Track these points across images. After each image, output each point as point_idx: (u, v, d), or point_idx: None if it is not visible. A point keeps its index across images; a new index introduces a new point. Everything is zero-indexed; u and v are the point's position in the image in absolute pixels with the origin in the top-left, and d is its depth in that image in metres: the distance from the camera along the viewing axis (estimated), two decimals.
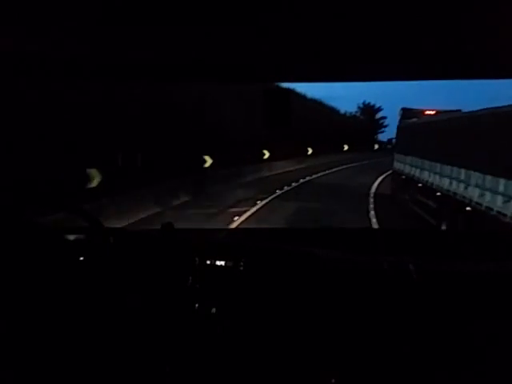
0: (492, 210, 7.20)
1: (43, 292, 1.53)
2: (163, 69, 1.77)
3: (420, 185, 11.51)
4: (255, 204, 13.72)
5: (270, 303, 1.57)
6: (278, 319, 1.51)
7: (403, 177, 13.55)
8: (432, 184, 10.47)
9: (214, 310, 1.58)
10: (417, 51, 1.48)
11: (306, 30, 1.29)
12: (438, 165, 10.05)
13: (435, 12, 1.15)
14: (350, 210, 12.39)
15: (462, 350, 1.39)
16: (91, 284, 1.60)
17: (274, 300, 1.58)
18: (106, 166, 10.69)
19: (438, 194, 9.88)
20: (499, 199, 7.03)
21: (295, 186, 18.88)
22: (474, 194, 7.96)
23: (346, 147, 38.28)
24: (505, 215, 6.79)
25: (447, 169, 9.44)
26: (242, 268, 1.75)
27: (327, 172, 25.34)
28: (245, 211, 12.34)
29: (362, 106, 57.91)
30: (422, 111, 14.32)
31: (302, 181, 20.61)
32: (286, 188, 17.82)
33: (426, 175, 11.05)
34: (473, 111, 9.31)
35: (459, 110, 12.27)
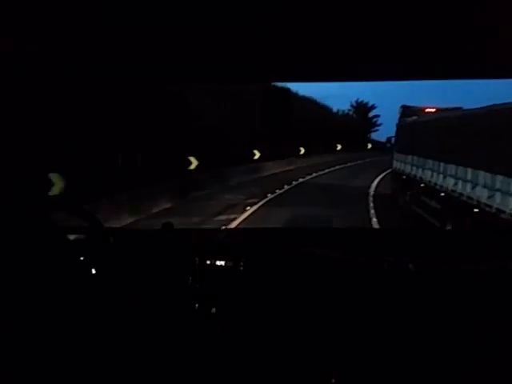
0: (504, 212, 6.84)
1: (43, 292, 1.53)
2: (163, 69, 1.77)
3: (422, 185, 11.16)
4: (245, 211, 12.39)
5: (270, 303, 1.57)
6: (278, 319, 1.51)
7: (404, 177, 13.18)
8: (435, 184, 10.10)
9: (213, 309, 1.58)
10: (417, 51, 1.48)
11: (305, 30, 1.29)
12: (442, 164, 9.72)
13: (435, 12, 1.15)
14: (352, 216, 11.39)
15: (462, 349, 1.39)
16: (91, 284, 1.60)
17: (274, 300, 1.58)
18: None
19: (442, 194, 9.56)
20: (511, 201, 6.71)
21: (288, 189, 17.65)
22: (482, 194, 7.60)
23: (339, 147, 37.27)
24: None
25: (452, 168, 9.09)
26: (241, 268, 1.75)
27: (321, 173, 24.09)
28: (233, 219, 10.98)
29: (355, 104, 55.66)
30: (422, 109, 13.92)
31: (294, 183, 19.35)
32: (278, 191, 16.49)
33: (428, 175, 10.69)
34: (475, 108, 9.01)
35: (460, 108, 12.07)
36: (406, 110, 14.55)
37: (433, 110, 13.64)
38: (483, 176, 7.62)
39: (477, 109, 8.78)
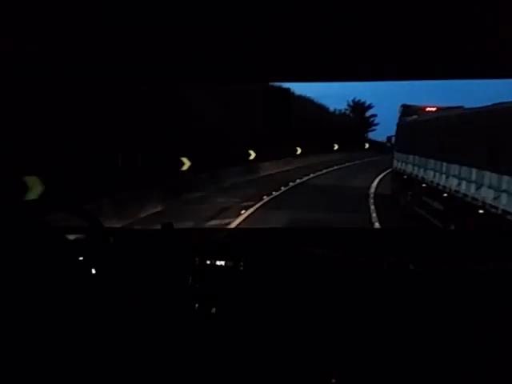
0: (510, 213, 6.63)
1: (43, 292, 1.52)
2: (163, 69, 1.77)
3: (424, 185, 10.92)
4: (239, 214, 11.65)
5: (270, 303, 1.57)
6: (278, 319, 1.51)
7: (405, 176, 12.94)
8: (438, 184, 9.85)
9: (214, 309, 1.58)
10: (417, 51, 1.48)
11: (305, 30, 1.29)
12: (444, 164, 9.46)
13: (435, 12, 1.15)
14: (353, 220, 10.74)
15: (462, 349, 1.39)
16: (91, 284, 1.60)
17: (274, 300, 1.58)
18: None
19: (445, 194, 9.33)
20: None
21: (285, 190, 16.85)
22: (487, 195, 7.37)
23: (336, 147, 36.79)
24: None
25: (455, 168, 8.84)
26: (242, 268, 1.75)
27: (319, 174, 23.31)
28: (227, 225, 10.18)
29: (351, 103, 55.28)
30: (423, 108, 13.73)
31: (291, 184, 18.47)
32: (274, 193, 15.63)
33: (430, 175, 10.43)
34: (478, 107, 8.79)
35: (461, 107, 11.82)
36: (407, 109, 14.37)
37: (433, 109, 13.45)
38: (489, 176, 7.39)
39: (480, 107, 8.55)
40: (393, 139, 15.29)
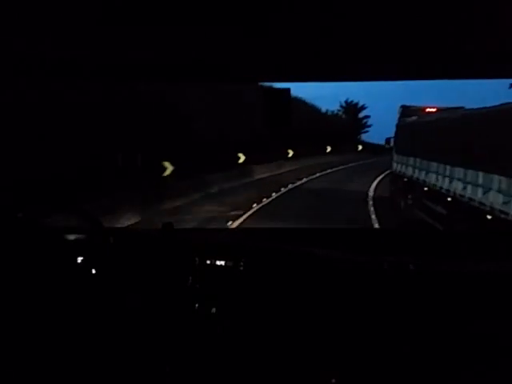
0: None
1: (43, 292, 1.53)
2: (163, 69, 1.77)
3: (426, 188, 10.46)
4: (226, 227, 9.82)
5: (270, 303, 1.57)
6: (278, 319, 1.51)
7: (405, 179, 12.49)
8: (441, 188, 9.38)
9: (214, 309, 1.58)
10: (417, 51, 1.48)
11: (305, 30, 1.29)
12: (448, 167, 9.02)
13: (435, 12, 1.15)
14: None
15: (462, 349, 1.39)
16: (91, 284, 1.60)
17: (274, 300, 1.58)
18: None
19: (449, 199, 8.89)
20: None
21: (278, 197, 15.17)
22: (496, 200, 6.97)
23: (328, 149, 34.68)
24: None
25: (460, 171, 8.41)
26: (242, 268, 1.75)
27: (312, 177, 21.66)
28: None
29: (344, 104, 53.03)
30: (423, 109, 13.33)
31: (284, 190, 16.79)
32: (265, 200, 14.02)
33: (433, 178, 9.97)
34: (481, 108, 8.42)
35: (462, 107, 11.55)
36: (406, 110, 13.96)
37: (433, 109, 13.14)
38: (498, 180, 6.99)
39: (485, 107, 8.17)
40: (391, 141, 14.83)
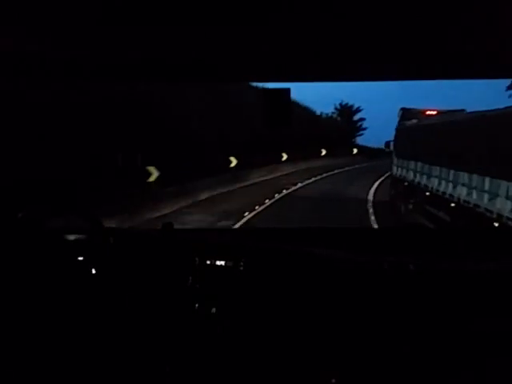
0: None
1: (43, 292, 1.53)
2: (163, 69, 1.77)
3: (428, 193, 10.10)
4: None
5: (270, 303, 1.57)
6: (278, 319, 1.51)
7: (405, 183, 12.15)
8: (444, 193, 9.04)
9: (214, 309, 1.58)
10: (417, 51, 1.48)
11: (305, 30, 1.29)
12: (452, 171, 8.67)
13: (435, 12, 1.15)
14: None
15: (462, 349, 1.39)
16: (91, 284, 1.60)
17: (274, 300, 1.58)
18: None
19: (453, 204, 8.54)
20: None
21: (271, 204, 13.96)
22: (503, 207, 6.69)
23: (323, 152, 33.43)
24: None
25: (464, 176, 8.09)
26: (242, 268, 1.75)
27: (308, 182, 20.62)
28: None
29: (339, 106, 51.29)
30: (423, 111, 13.24)
31: (278, 196, 15.61)
32: (257, 208, 12.83)
33: (435, 183, 9.62)
34: (482, 111, 8.21)
35: (463, 110, 11.44)
36: (406, 113, 13.72)
37: (434, 112, 12.92)
38: (506, 186, 6.71)
39: (488, 111, 7.92)
40: (391, 144, 14.49)
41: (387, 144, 15.08)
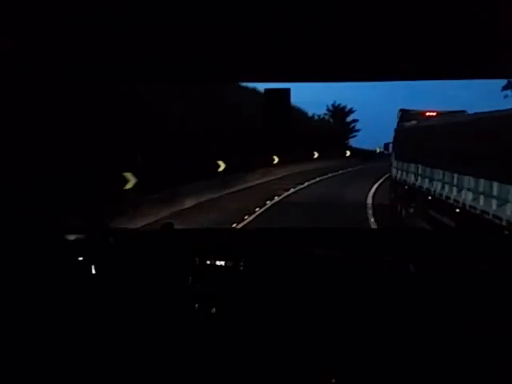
0: None
1: (43, 292, 1.53)
2: (163, 69, 1.77)
3: (430, 197, 9.68)
4: None
5: (270, 303, 1.57)
6: (278, 319, 1.51)
7: (406, 187, 11.79)
8: (448, 198, 8.57)
9: (213, 309, 1.58)
10: (417, 51, 1.48)
11: (305, 31, 1.29)
12: (456, 175, 8.24)
13: (435, 12, 1.15)
14: None
15: (462, 349, 1.39)
16: (91, 284, 1.60)
17: (274, 300, 1.58)
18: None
19: (457, 210, 8.10)
20: None
21: (262, 213, 12.79)
22: None
23: (316, 154, 32.87)
24: None
25: (469, 180, 7.67)
26: (242, 268, 1.75)
27: (301, 187, 19.52)
28: None
29: (331, 107, 50.45)
30: (422, 113, 13.11)
31: (269, 203, 14.46)
32: (247, 219, 11.61)
33: (438, 187, 9.20)
34: (484, 112, 7.97)
35: (464, 111, 11.36)
36: (405, 114, 13.53)
37: (433, 113, 12.85)
38: None
39: (486, 112, 7.70)
40: (390, 146, 14.22)
41: (386, 146, 14.71)
